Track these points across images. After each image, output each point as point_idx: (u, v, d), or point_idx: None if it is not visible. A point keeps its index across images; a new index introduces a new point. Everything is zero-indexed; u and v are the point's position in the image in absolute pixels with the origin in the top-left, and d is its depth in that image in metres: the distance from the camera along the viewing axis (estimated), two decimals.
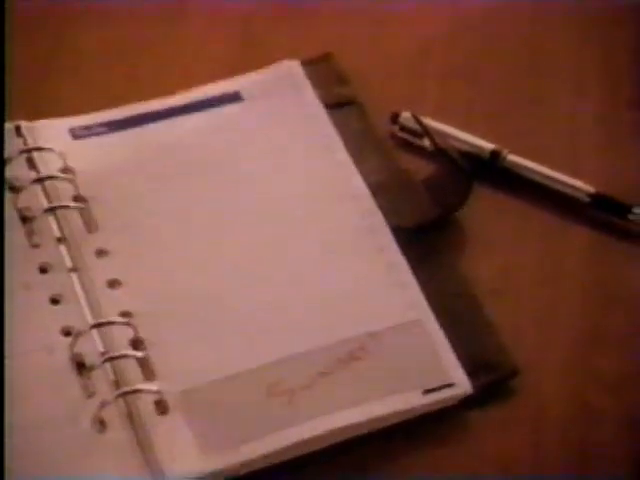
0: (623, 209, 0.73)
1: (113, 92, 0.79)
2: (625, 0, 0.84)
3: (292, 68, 0.80)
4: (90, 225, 0.70)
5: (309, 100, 0.79)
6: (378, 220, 0.72)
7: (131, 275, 0.68)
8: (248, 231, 0.71)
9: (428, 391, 0.64)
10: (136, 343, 0.64)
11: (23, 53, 0.81)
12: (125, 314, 0.66)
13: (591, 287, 0.70)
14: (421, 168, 0.75)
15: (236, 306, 0.67)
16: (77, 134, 0.76)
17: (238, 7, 0.85)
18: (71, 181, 0.71)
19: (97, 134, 0.77)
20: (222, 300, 0.67)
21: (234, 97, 0.81)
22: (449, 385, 0.64)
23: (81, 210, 0.70)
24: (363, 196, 0.73)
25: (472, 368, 0.64)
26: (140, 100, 0.78)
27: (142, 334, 0.64)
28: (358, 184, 0.74)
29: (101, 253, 0.69)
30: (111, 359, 0.63)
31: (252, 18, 0.85)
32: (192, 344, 0.65)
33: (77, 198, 0.71)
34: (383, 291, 0.68)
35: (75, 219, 0.70)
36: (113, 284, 0.68)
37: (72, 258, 0.69)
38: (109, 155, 0.75)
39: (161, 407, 0.62)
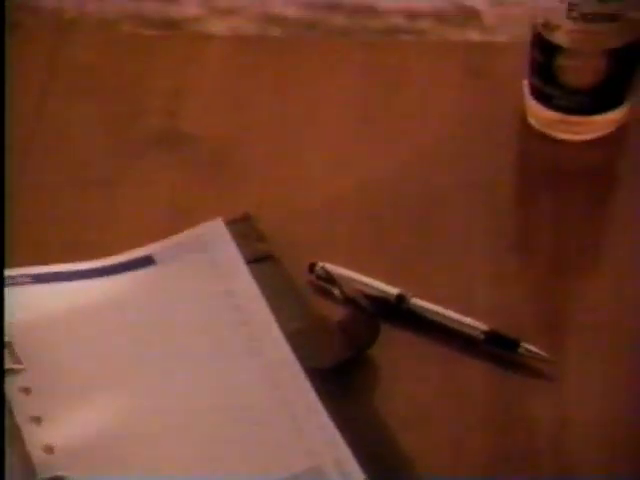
0: (513, 344, 0.76)
1: (45, 252, 0.82)
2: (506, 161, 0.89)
3: (214, 227, 0.82)
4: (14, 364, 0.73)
5: (231, 255, 0.81)
6: (294, 367, 0.74)
7: (52, 412, 0.71)
8: (160, 382, 0.73)
9: None
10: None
11: None
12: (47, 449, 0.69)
13: (491, 415, 0.73)
14: (337, 312, 0.78)
15: (147, 445, 0.69)
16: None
17: (165, 176, 0.87)
18: None
19: (21, 284, 0.79)
20: (136, 439, 0.70)
21: (147, 261, 0.82)
22: None
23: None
24: (279, 344, 0.75)
25: None
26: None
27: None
28: (275, 334, 0.76)
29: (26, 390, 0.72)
30: None
31: (177, 184, 0.87)
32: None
33: None
34: (294, 436, 0.70)
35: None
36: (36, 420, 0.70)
37: None
38: (31, 304, 0.78)
39: None
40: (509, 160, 0.89)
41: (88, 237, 0.84)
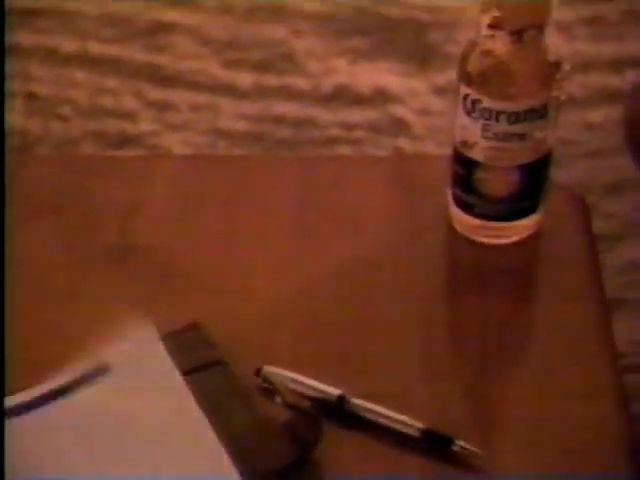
0: (447, 442, 0.75)
1: None
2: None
3: (149, 340, 0.81)
4: None
5: (167, 367, 0.79)
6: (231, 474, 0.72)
7: None
8: None
9: None
10: None
11: None
12: None
13: None
14: (283, 413, 0.76)
15: None
16: None
17: (118, 287, 0.86)
18: None
19: None
20: None
21: (103, 370, 0.81)
22: None
23: None
24: (216, 452, 0.74)
25: None
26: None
27: None
28: (211, 442, 0.74)
29: None
30: None
31: (130, 295, 0.86)
32: None
33: None
34: None
35: None
36: None
37: None
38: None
39: None
40: (437, 263, 0.89)
41: (41, 350, 0.82)
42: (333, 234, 0.91)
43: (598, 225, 1.36)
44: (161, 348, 0.81)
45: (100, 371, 0.80)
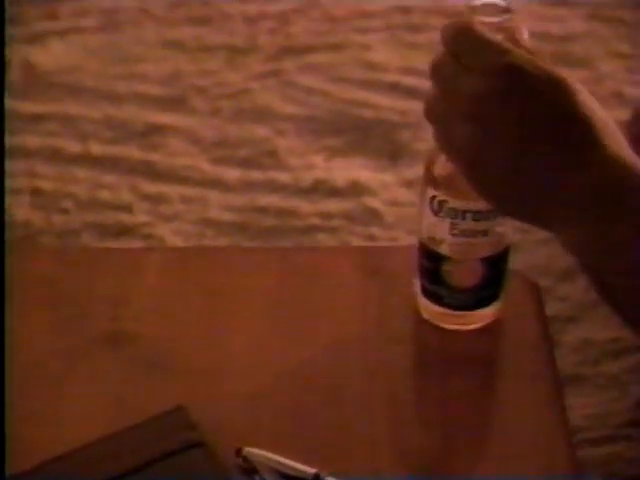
0: None
1: None
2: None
3: None
4: None
5: None
6: None
7: None
8: None
9: None
10: None
11: None
12: None
13: None
14: None
15: None
16: None
17: (109, 373, 0.84)
18: None
19: None
20: None
21: None
22: None
23: None
24: None
25: None
26: None
27: None
28: None
29: None
30: None
31: (120, 380, 0.83)
32: None
33: None
34: None
35: None
36: None
37: None
38: None
39: None
40: (406, 349, 0.88)
41: (35, 434, 0.80)
42: (308, 321, 0.90)
43: (554, 306, 1.37)
44: None
45: None
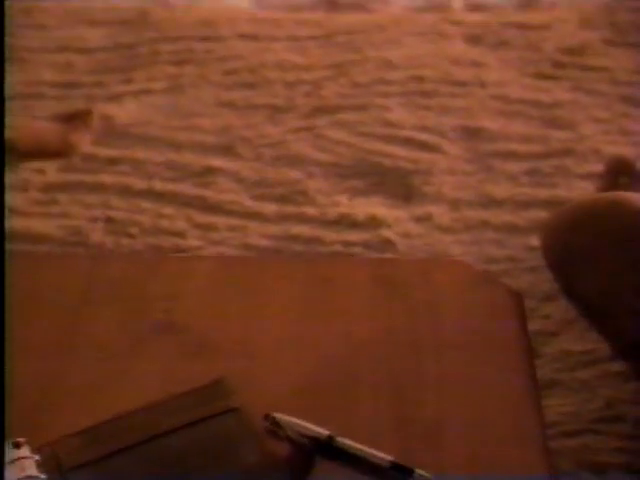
0: (409, 471, 0.74)
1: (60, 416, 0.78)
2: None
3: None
4: None
5: None
6: None
7: None
8: None
9: None
10: None
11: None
12: None
13: None
14: (285, 448, 0.76)
15: None
16: None
17: (163, 355, 0.85)
18: None
19: None
20: None
21: None
22: None
23: None
24: None
25: None
26: None
27: None
28: None
29: None
30: None
31: (172, 360, 0.85)
32: None
33: None
34: None
35: None
36: None
37: None
38: None
39: None
40: (405, 339, 0.87)
41: (103, 399, 0.82)
42: (327, 317, 0.90)
43: (538, 323, 1.34)
44: None
45: None
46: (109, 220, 1.49)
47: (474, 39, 1.86)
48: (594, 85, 1.73)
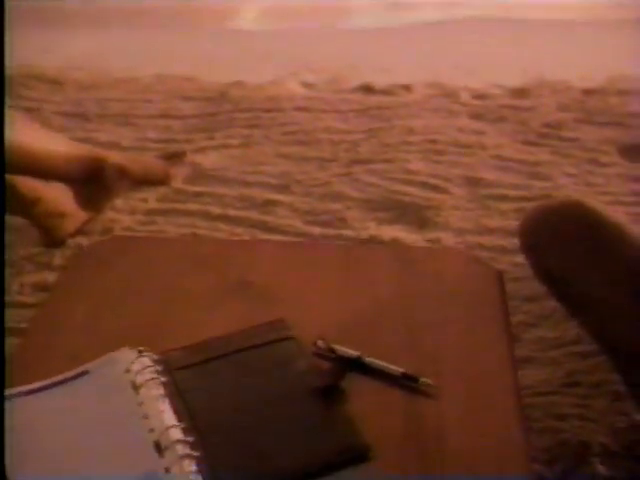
0: (415, 380, 0.79)
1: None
2: None
3: (125, 355, 0.78)
4: None
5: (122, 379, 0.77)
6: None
7: None
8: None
9: None
10: None
11: None
12: None
13: (405, 421, 0.76)
14: (326, 365, 0.81)
15: None
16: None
17: (236, 309, 0.89)
18: None
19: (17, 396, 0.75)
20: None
21: (83, 373, 0.77)
22: None
23: None
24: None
25: None
26: None
27: None
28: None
29: None
30: None
31: (244, 312, 0.89)
32: None
33: None
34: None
35: None
36: None
37: None
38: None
39: None
40: (416, 303, 0.91)
41: (197, 335, 0.84)
42: (358, 285, 0.94)
43: (519, 317, 1.34)
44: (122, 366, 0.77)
45: (81, 374, 0.78)
46: (194, 236, 1.54)
47: (477, 115, 1.95)
48: (567, 150, 1.81)
